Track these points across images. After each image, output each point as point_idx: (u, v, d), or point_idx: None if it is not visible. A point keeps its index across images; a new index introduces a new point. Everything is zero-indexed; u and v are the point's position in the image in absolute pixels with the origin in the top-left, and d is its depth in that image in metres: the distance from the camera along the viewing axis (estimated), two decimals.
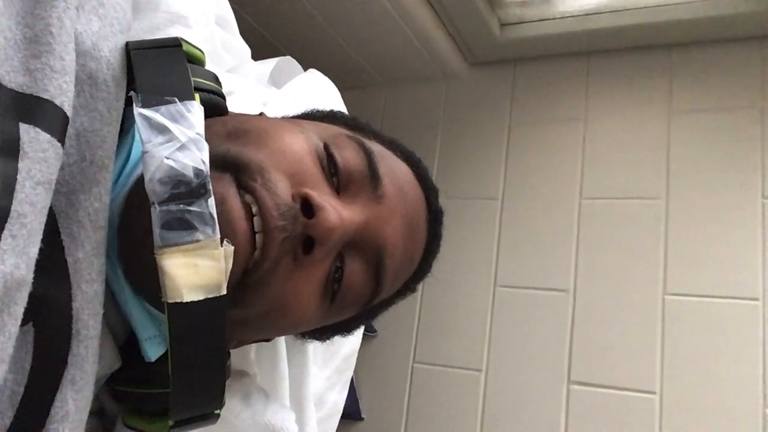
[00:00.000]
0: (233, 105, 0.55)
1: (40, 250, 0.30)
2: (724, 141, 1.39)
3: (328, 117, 0.53)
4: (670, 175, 1.41)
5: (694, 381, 1.27)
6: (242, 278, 0.37)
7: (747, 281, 1.28)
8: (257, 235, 0.37)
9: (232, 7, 0.69)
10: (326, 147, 0.43)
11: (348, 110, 0.73)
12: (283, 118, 0.52)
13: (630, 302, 1.37)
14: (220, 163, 0.37)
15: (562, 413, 1.37)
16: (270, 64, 0.77)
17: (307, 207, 0.39)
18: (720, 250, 1.32)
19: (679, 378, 1.28)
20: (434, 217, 0.52)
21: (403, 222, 0.46)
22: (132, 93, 0.35)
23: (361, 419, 1.58)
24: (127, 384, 0.40)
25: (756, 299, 1.26)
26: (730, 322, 1.27)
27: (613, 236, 1.43)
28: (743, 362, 1.24)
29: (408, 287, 0.54)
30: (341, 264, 0.43)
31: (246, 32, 0.71)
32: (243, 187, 0.38)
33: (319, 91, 0.76)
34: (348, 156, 0.44)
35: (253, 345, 0.56)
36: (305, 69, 0.81)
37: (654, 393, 1.30)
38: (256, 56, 0.74)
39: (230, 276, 0.35)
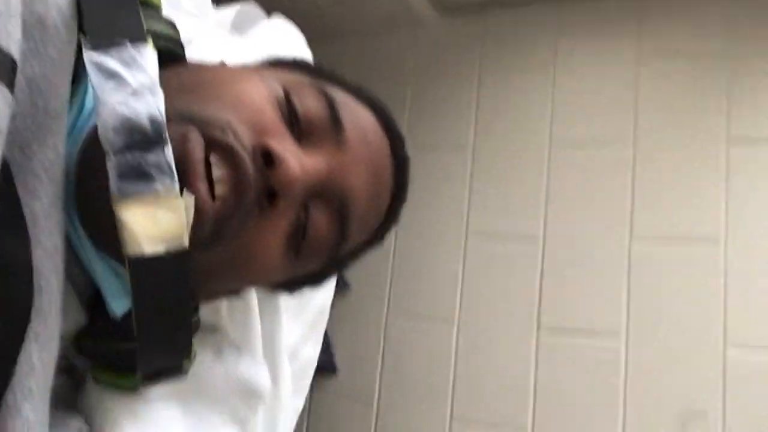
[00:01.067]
0: (193, 53, 0.53)
1: None
2: (691, 87, 1.40)
3: (291, 65, 0.51)
4: (638, 121, 1.43)
5: (658, 323, 1.31)
6: (213, 230, 0.36)
7: (710, 224, 1.31)
8: (219, 185, 0.36)
9: None
10: (287, 95, 0.42)
11: (314, 60, 0.72)
12: (243, 66, 0.50)
13: (598, 247, 1.40)
14: (180, 115, 0.36)
15: (532, 359, 1.41)
16: (232, 10, 0.75)
17: (268, 158, 0.38)
18: (685, 194, 1.35)
19: (644, 320, 1.33)
20: (400, 164, 0.51)
21: (367, 169, 0.45)
22: (80, 36, 0.33)
23: (336, 372, 1.60)
24: (95, 339, 0.40)
25: (718, 242, 1.30)
26: (693, 264, 1.31)
27: (582, 183, 1.45)
28: (705, 304, 1.29)
29: (376, 237, 0.54)
30: (305, 214, 0.42)
31: None
32: (210, 140, 0.36)
33: (283, 39, 0.74)
34: (309, 104, 0.43)
35: (224, 300, 0.56)
36: (269, 16, 0.78)
37: (620, 336, 1.34)
38: (217, 2, 0.72)
39: (202, 224, 0.34)
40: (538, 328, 1.42)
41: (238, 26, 0.74)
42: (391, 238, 0.57)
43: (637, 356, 1.32)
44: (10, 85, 0.29)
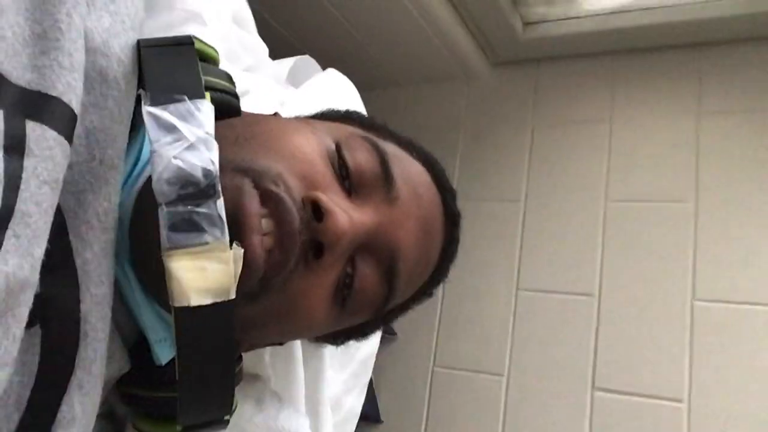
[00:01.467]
0: (249, 104, 0.54)
1: (48, 250, 0.29)
2: (754, 142, 1.35)
3: (343, 117, 0.52)
4: (699, 178, 1.38)
5: (723, 390, 1.24)
6: (261, 281, 0.36)
7: None
8: (266, 237, 0.36)
9: (250, 6, 0.68)
10: (338, 148, 0.43)
11: (367, 110, 0.72)
12: (296, 118, 0.51)
13: (657, 308, 1.34)
14: (234, 167, 0.37)
15: (586, 420, 1.34)
16: (288, 63, 0.77)
17: (317, 211, 0.38)
18: (751, 254, 1.28)
19: (708, 386, 1.25)
20: (451, 220, 0.51)
21: (417, 225, 0.45)
22: (141, 91, 0.34)
23: (381, 422, 1.57)
24: (137, 387, 0.40)
25: None
26: (761, 329, 1.24)
27: (639, 239, 1.40)
28: None
29: (424, 292, 0.53)
30: (353, 268, 0.42)
31: (264, 31, 0.71)
32: (263, 193, 0.37)
33: (337, 91, 0.75)
34: (360, 157, 0.43)
35: (268, 348, 0.56)
36: (324, 68, 0.80)
37: (681, 401, 1.26)
38: (274, 55, 0.74)
39: (248, 278, 0.34)
40: (593, 386, 1.36)
41: (294, 78, 0.76)
42: (439, 288, 0.56)
43: (701, 422, 1.24)
44: (69, 137, 0.30)
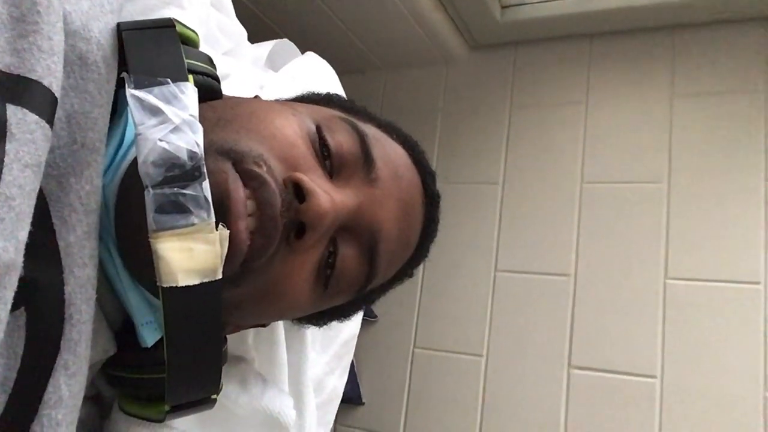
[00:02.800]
0: (229, 88, 0.54)
1: (31, 233, 0.29)
2: (727, 124, 1.38)
3: (323, 100, 0.52)
4: (672, 159, 1.40)
5: (694, 365, 1.27)
6: (243, 264, 0.37)
7: (748, 265, 1.28)
8: (250, 219, 0.37)
9: None
10: (319, 130, 0.43)
11: (347, 94, 0.73)
12: (277, 101, 0.51)
13: (631, 287, 1.37)
14: (217, 149, 0.37)
15: (563, 397, 1.37)
16: (267, 46, 0.76)
17: (299, 191, 0.38)
18: (722, 233, 1.32)
19: (680, 362, 1.29)
20: (431, 200, 0.51)
21: (397, 205, 0.45)
22: (124, 74, 0.34)
23: (362, 403, 1.59)
24: (123, 369, 0.40)
25: (758, 283, 1.26)
26: (731, 306, 1.27)
27: (614, 220, 1.42)
28: (744, 346, 1.24)
29: (405, 272, 0.54)
30: (334, 249, 0.42)
31: (242, 14, 0.70)
32: (243, 173, 0.37)
33: (316, 75, 0.75)
34: (341, 139, 0.43)
35: (251, 330, 0.56)
36: (303, 52, 0.80)
37: (654, 377, 1.30)
38: (252, 39, 0.73)
39: (230, 262, 0.35)
40: (569, 364, 1.39)
41: (273, 62, 0.76)
42: (419, 271, 0.56)
43: (673, 398, 1.27)
44: (50, 120, 0.30)
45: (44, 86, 0.30)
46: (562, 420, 1.36)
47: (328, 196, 0.39)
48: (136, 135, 0.32)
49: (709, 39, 1.44)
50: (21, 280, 0.29)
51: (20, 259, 0.29)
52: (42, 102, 0.30)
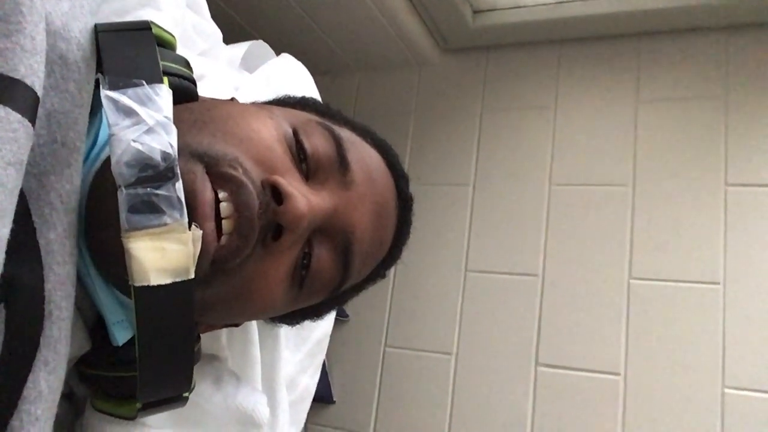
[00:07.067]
0: (205, 89, 0.55)
1: (12, 231, 0.30)
2: (690, 130, 1.42)
3: (299, 103, 0.53)
4: (637, 163, 1.44)
5: (656, 363, 1.31)
6: (215, 264, 0.37)
7: (709, 266, 1.32)
8: (226, 221, 0.37)
9: None
10: (295, 133, 0.43)
11: (321, 96, 0.73)
12: (253, 103, 0.51)
13: (596, 286, 1.40)
14: (191, 152, 0.37)
15: (530, 394, 1.40)
16: (242, 47, 0.77)
17: (276, 194, 0.39)
18: (684, 235, 1.35)
19: (643, 360, 1.32)
20: (404, 203, 0.52)
21: (372, 208, 0.46)
22: (99, 75, 0.35)
23: (333, 402, 1.59)
24: (96, 367, 0.40)
25: (717, 283, 1.30)
26: (692, 305, 1.31)
27: (581, 222, 1.45)
28: (704, 344, 1.28)
29: (378, 273, 0.55)
30: (309, 250, 0.43)
31: (217, 16, 0.71)
32: (220, 175, 0.37)
33: (291, 77, 0.76)
34: (317, 142, 0.44)
35: (224, 329, 0.56)
36: (277, 54, 0.81)
37: (618, 374, 1.33)
38: (227, 40, 0.74)
39: (201, 262, 0.35)
40: (536, 362, 1.41)
41: (248, 63, 0.76)
42: (391, 271, 0.58)
43: (636, 394, 1.31)
44: (32, 119, 0.31)
45: (27, 85, 0.30)
46: (529, 416, 1.39)
47: (306, 198, 0.40)
48: (110, 135, 0.32)
49: (673, 47, 1.48)
50: (1, 277, 0.29)
51: (1, 256, 0.29)
52: (25, 101, 0.30)
